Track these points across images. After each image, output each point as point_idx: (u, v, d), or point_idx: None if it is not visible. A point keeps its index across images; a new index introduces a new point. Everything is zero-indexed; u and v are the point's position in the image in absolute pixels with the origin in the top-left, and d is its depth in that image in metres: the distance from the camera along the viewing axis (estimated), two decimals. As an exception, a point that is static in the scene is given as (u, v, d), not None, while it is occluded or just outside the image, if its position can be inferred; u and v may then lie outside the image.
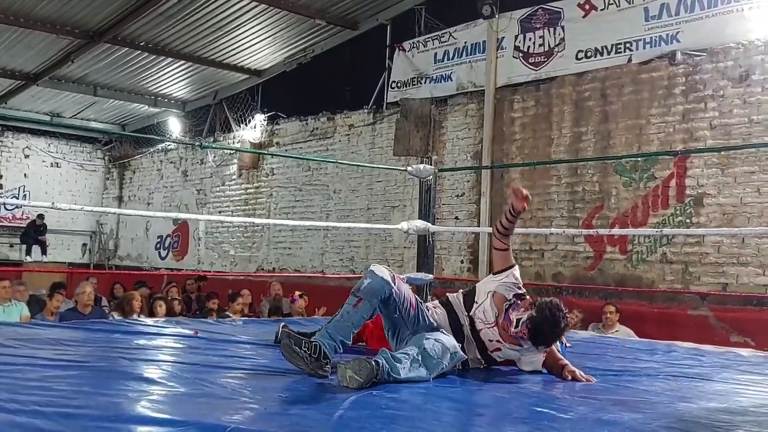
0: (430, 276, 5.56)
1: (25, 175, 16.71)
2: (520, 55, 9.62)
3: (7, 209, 16.00)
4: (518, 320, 2.93)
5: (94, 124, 16.31)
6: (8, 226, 16.19)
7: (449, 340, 2.90)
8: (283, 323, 3.82)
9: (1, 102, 14.90)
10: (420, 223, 5.54)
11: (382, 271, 2.87)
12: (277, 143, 13.25)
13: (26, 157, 16.80)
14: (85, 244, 17.52)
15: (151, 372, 2.74)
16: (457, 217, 10.06)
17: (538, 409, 2.42)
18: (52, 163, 17.10)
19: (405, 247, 10.46)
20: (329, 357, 2.65)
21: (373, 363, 2.54)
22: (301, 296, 7.94)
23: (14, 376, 2.44)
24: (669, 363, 3.66)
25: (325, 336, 2.70)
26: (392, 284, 2.85)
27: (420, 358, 2.72)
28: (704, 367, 3.71)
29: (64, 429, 1.79)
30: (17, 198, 15.97)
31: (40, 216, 15.57)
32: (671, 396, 2.75)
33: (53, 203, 4.04)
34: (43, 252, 15.69)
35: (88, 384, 2.40)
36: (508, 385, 2.92)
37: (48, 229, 16.18)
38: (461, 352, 2.95)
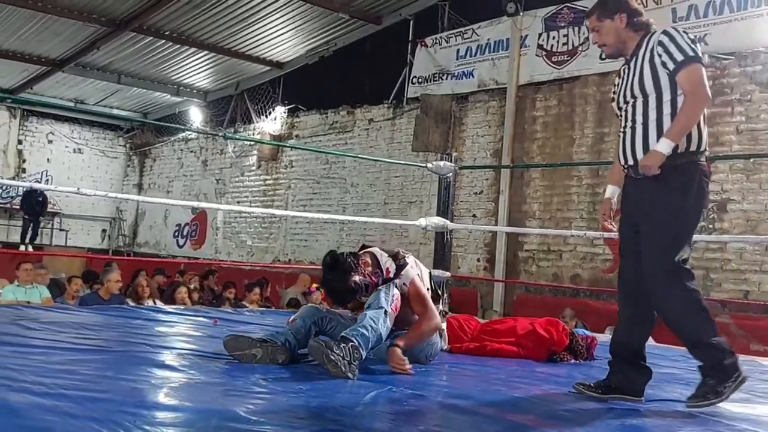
0: (447, 273, 5.54)
1: (48, 160, 16.87)
2: (544, 53, 9.56)
3: (29, 193, 16.15)
4: None
5: (116, 112, 16.42)
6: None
7: None
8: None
9: (27, 87, 15.03)
10: (438, 220, 5.53)
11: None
12: (297, 136, 13.28)
13: (50, 142, 16.95)
14: (104, 230, 17.68)
15: (172, 359, 2.77)
16: (474, 215, 10.03)
17: (559, 411, 2.42)
18: (74, 149, 17.24)
19: (421, 243, 10.44)
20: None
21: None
22: (318, 289, 7.95)
23: (39, 359, 2.48)
24: (690, 369, 3.62)
25: (362, 346, 2.77)
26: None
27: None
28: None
29: (88, 413, 1.81)
30: (39, 182, 16.12)
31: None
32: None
33: (78, 189, 4.08)
34: (33, 238, 15.08)
35: (111, 369, 2.44)
36: (527, 386, 2.92)
37: (68, 215, 16.41)
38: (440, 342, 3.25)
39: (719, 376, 2.51)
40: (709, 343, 2.54)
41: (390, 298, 2.94)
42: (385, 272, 3.12)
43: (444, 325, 3.42)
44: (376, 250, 3.24)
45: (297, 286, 9.03)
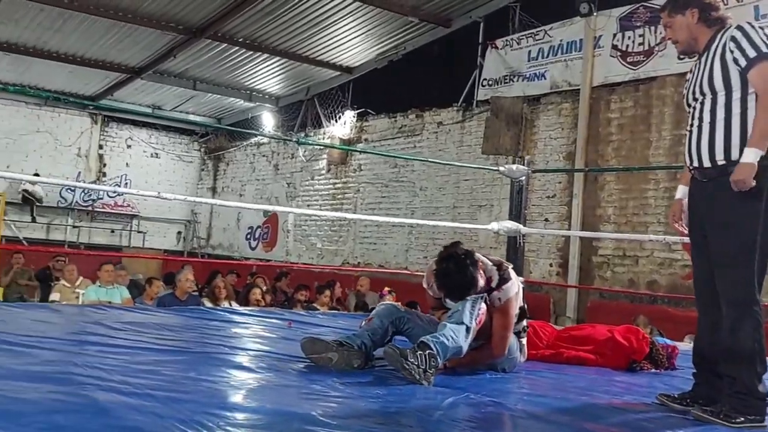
0: (520, 278, 5.45)
1: (126, 164, 17.53)
2: (618, 54, 9.30)
3: (110, 196, 16.83)
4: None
5: (192, 117, 16.91)
6: (110, 212, 17.03)
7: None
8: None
9: (108, 94, 15.66)
10: (510, 224, 5.45)
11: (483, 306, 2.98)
12: (366, 140, 13.35)
13: (128, 147, 17.61)
14: (179, 232, 18.23)
15: (249, 361, 2.81)
16: (546, 219, 9.85)
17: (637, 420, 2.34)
18: (152, 154, 17.86)
19: (491, 248, 10.31)
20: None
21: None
22: (390, 292, 7.98)
23: (124, 359, 2.56)
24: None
25: (440, 354, 2.71)
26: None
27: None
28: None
29: (174, 413, 1.86)
30: (119, 186, 16.78)
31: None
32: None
33: (159, 193, 4.21)
34: None
35: (192, 370, 2.50)
36: (606, 395, 2.84)
37: (146, 217, 17.07)
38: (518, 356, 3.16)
39: (742, 404, 2.38)
40: (757, 372, 2.40)
41: (475, 313, 2.86)
42: (488, 280, 3.05)
43: (524, 340, 3.31)
44: (478, 255, 3.15)
45: (355, 288, 9.13)
